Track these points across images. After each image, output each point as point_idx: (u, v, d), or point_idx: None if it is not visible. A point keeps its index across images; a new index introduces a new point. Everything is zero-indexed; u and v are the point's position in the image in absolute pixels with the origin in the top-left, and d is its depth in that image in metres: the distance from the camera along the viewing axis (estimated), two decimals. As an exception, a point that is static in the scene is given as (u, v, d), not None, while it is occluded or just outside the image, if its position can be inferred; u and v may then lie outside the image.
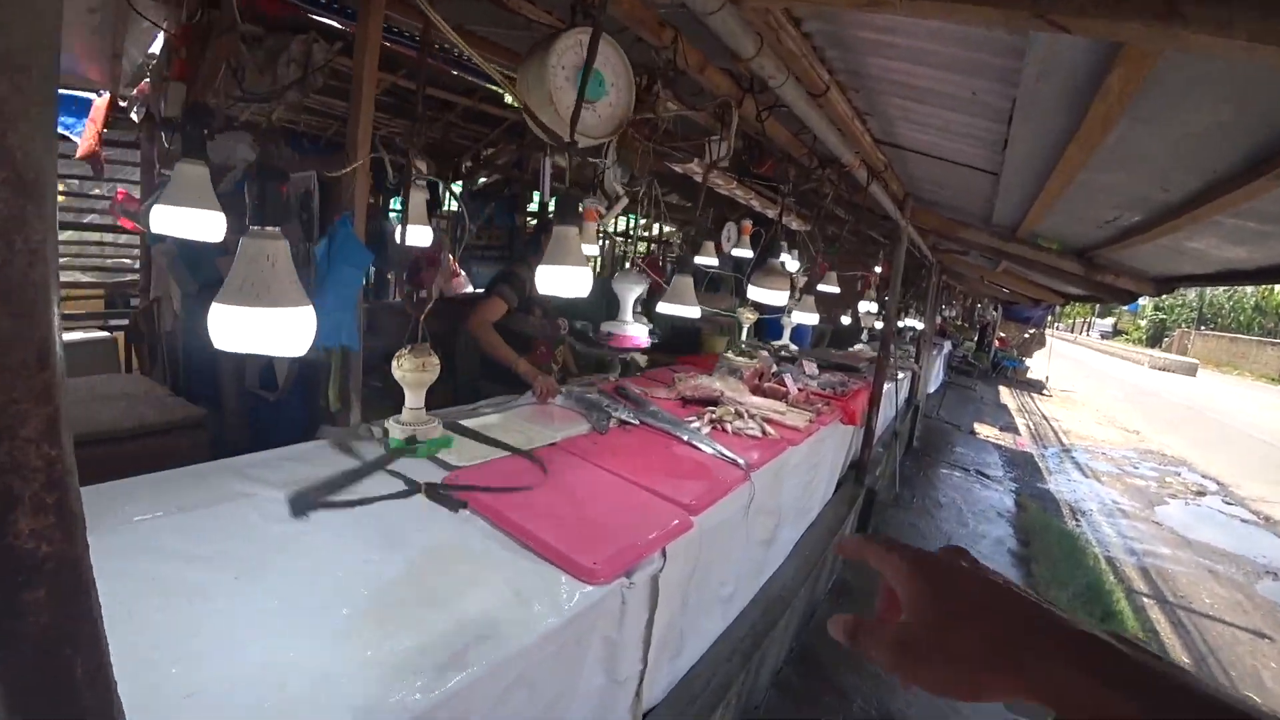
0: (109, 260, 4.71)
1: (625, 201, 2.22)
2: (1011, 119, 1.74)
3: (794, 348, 4.10)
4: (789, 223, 3.88)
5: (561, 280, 1.33)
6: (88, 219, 4.60)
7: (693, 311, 2.14)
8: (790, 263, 3.92)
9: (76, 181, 4.45)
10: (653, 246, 8.65)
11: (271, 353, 0.83)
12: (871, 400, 4.12)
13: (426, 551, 1.28)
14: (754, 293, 2.60)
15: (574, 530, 1.41)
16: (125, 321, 4.15)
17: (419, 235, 1.73)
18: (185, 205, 1.44)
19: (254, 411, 2.89)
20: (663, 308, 2.14)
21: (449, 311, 3.14)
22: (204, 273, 2.88)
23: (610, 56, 1.41)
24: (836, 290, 4.07)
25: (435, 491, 1.38)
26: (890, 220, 3.71)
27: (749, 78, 1.97)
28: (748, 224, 3.61)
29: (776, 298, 2.57)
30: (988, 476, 7.05)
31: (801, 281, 4.11)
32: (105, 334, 3.84)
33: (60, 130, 3.86)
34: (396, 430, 1.41)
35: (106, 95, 3.84)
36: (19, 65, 0.43)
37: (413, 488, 1.41)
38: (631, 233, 8.02)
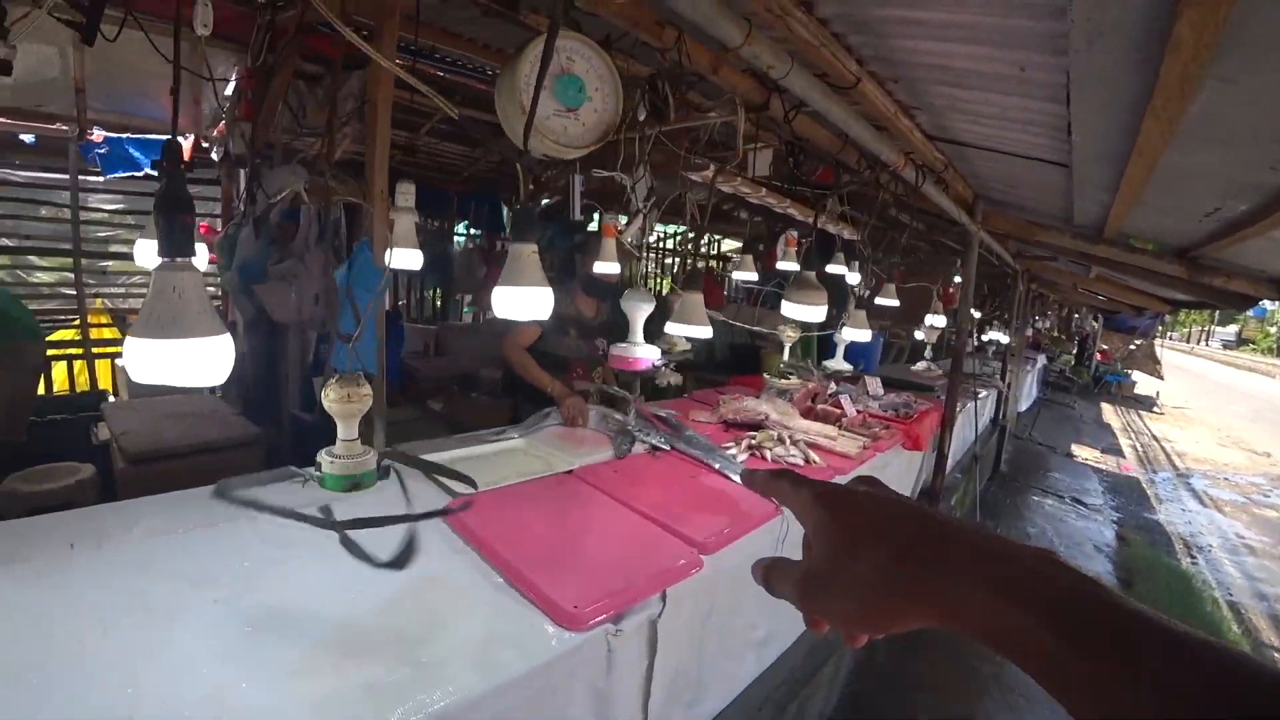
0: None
1: (645, 216, 2.11)
2: (1069, 96, 1.51)
3: (848, 367, 3.83)
4: (841, 232, 3.65)
5: (515, 303, 1.24)
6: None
7: (703, 331, 2.00)
8: (849, 275, 3.68)
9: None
10: (712, 263, 8.51)
11: (186, 384, 0.80)
12: (943, 422, 3.80)
13: (411, 583, 1.23)
14: (787, 309, 2.42)
15: (565, 568, 1.33)
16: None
17: (408, 259, 1.71)
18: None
19: (298, 433, 2.98)
20: (671, 328, 2.02)
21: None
22: (257, 300, 3.01)
23: (593, 61, 1.32)
24: (894, 303, 3.79)
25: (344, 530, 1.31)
26: (959, 225, 3.42)
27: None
28: (791, 235, 3.42)
29: (810, 313, 2.39)
30: (1085, 505, 6.38)
31: (864, 294, 3.85)
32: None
33: (148, 171, 4.19)
34: (327, 464, 1.35)
35: (191, 137, 4.14)
36: None
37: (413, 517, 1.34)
38: (675, 246, 7.89)
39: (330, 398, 1.13)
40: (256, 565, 1.23)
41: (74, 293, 4.45)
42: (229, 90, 3.51)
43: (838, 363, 3.84)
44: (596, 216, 3.68)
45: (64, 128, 3.75)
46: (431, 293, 6.24)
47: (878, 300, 3.74)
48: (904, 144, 2.36)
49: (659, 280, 8.19)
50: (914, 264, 5.28)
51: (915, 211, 3.34)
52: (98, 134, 3.89)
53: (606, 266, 2.30)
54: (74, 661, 0.93)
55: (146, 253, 1.37)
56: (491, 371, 4.51)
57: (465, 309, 6.43)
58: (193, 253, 0.79)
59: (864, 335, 3.16)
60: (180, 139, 3.66)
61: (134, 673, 0.92)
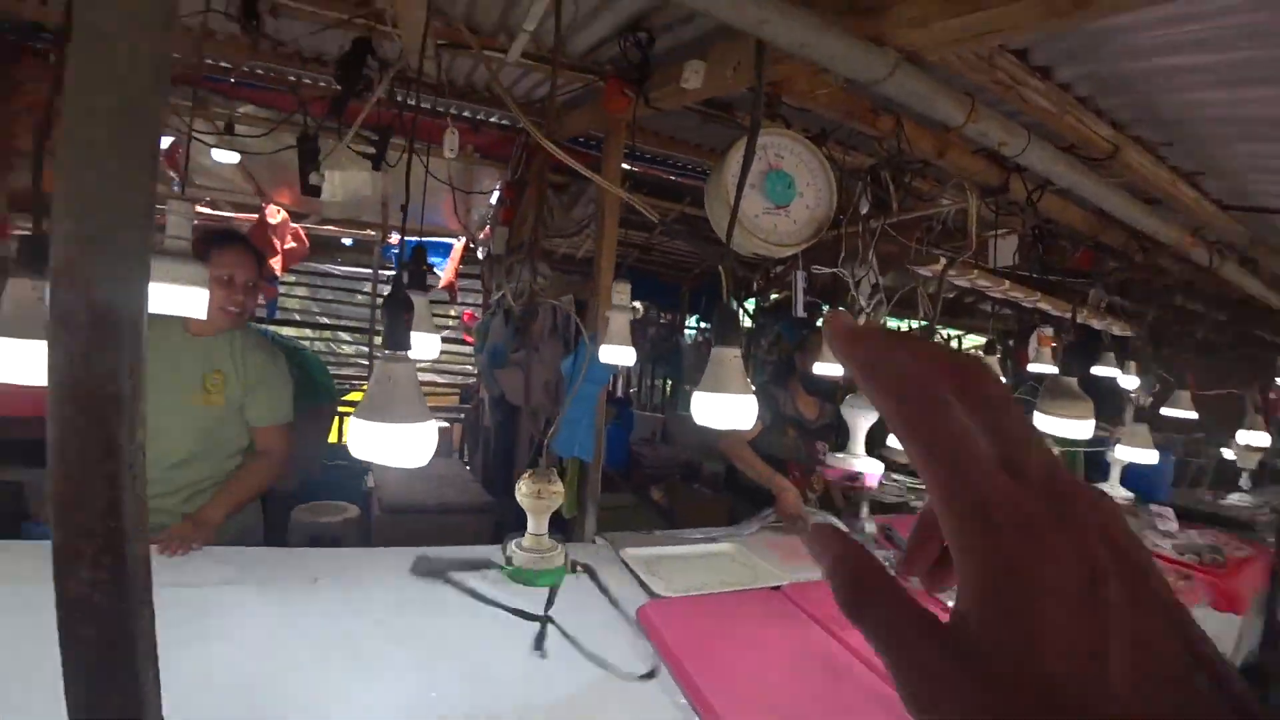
0: (456, 366, 6.07)
1: (868, 314, 1.98)
2: None
3: (1126, 494, 3.09)
4: (1110, 327, 3.07)
5: (715, 410, 1.18)
6: (443, 334, 6.06)
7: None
8: (1123, 379, 3.06)
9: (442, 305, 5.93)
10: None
11: (391, 463, 0.90)
12: (1275, 576, 2.85)
13: (587, 685, 1.20)
14: (1041, 421, 2.03)
15: (757, 706, 1.19)
16: (462, 415, 5.19)
17: (620, 355, 1.80)
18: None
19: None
20: (895, 440, 1.81)
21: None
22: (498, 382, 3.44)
23: (803, 156, 1.33)
24: (1190, 415, 3.02)
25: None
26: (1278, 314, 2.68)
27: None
28: (1044, 333, 2.96)
29: (1071, 427, 1.98)
30: None
31: (1147, 402, 3.16)
32: (444, 424, 4.87)
33: (431, 265, 5.17)
34: (515, 554, 1.38)
35: (463, 240, 5.05)
36: (102, 237, 0.53)
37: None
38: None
39: (523, 491, 1.19)
40: (454, 635, 1.33)
41: (367, 363, 5.57)
42: (493, 199, 4.19)
43: (1112, 487, 3.13)
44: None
45: (371, 233, 4.87)
46: (662, 381, 6.61)
47: (1166, 411, 3.02)
48: (1188, 218, 1.96)
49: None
50: (1215, 364, 4.21)
51: (1212, 299, 2.70)
52: (394, 238, 4.96)
53: (828, 367, 2.20)
54: (284, 682, 1.09)
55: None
56: (714, 465, 4.52)
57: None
58: (408, 346, 0.92)
59: (1147, 455, 2.54)
60: (455, 240, 4.47)
61: (326, 709, 1.03)
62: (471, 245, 4.95)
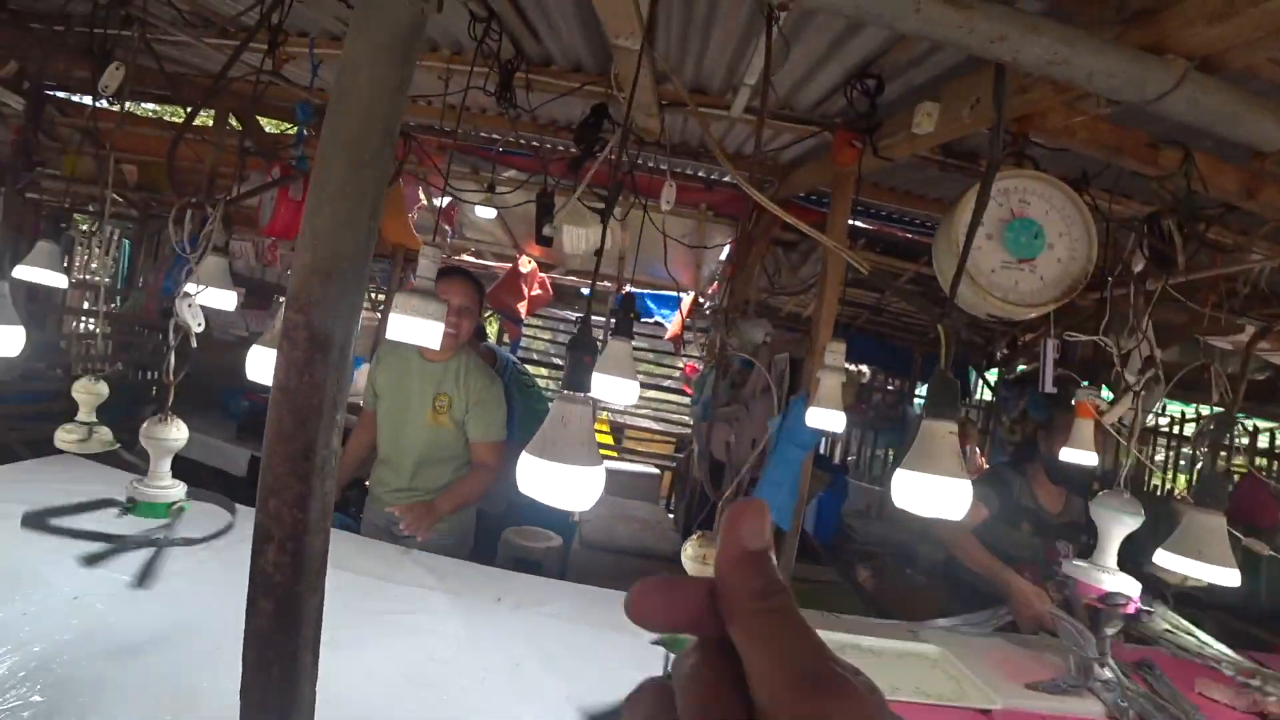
0: (674, 416, 6.26)
1: (1138, 395, 1.55)
2: None
3: None
4: None
5: (919, 492, 0.98)
6: (665, 383, 6.28)
7: (1221, 575, 1.26)
8: None
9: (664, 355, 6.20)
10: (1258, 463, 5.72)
11: (555, 504, 0.90)
12: None
13: None
14: None
15: None
16: (674, 464, 5.33)
17: (829, 419, 1.65)
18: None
19: None
20: (1164, 558, 1.34)
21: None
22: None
23: (1055, 202, 1.11)
24: None
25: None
26: None
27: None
28: None
29: None
30: None
31: None
32: (655, 470, 5.06)
33: (659, 318, 5.44)
34: None
35: (691, 294, 5.24)
36: (327, 270, 0.64)
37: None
38: (1194, 433, 5.52)
39: (688, 553, 1.12)
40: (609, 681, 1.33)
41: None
42: (723, 255, 4.28)
43: None
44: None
45: (608, 284, 5.31)
46: (884, 451, 6.09)
47: None
48: None
49: (1164, 478, 6.01)
50: None
51: None
52: (627, 289, 5.34)
53: (1078, 454, 1.79)
54: (444, 687, 1.17)
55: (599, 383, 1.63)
56: (931, 550, 3.98)
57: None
58: (588, 389, 0.93)
59: None
60: (684, 294, 4.66)
61: None
62: (700, 300, 5.13)
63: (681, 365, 6.08)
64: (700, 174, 3.20)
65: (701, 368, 5.24)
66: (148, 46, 1.66)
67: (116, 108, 1.91)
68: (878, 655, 1.70)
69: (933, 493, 0.98)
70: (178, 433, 1.07)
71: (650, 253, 4.88)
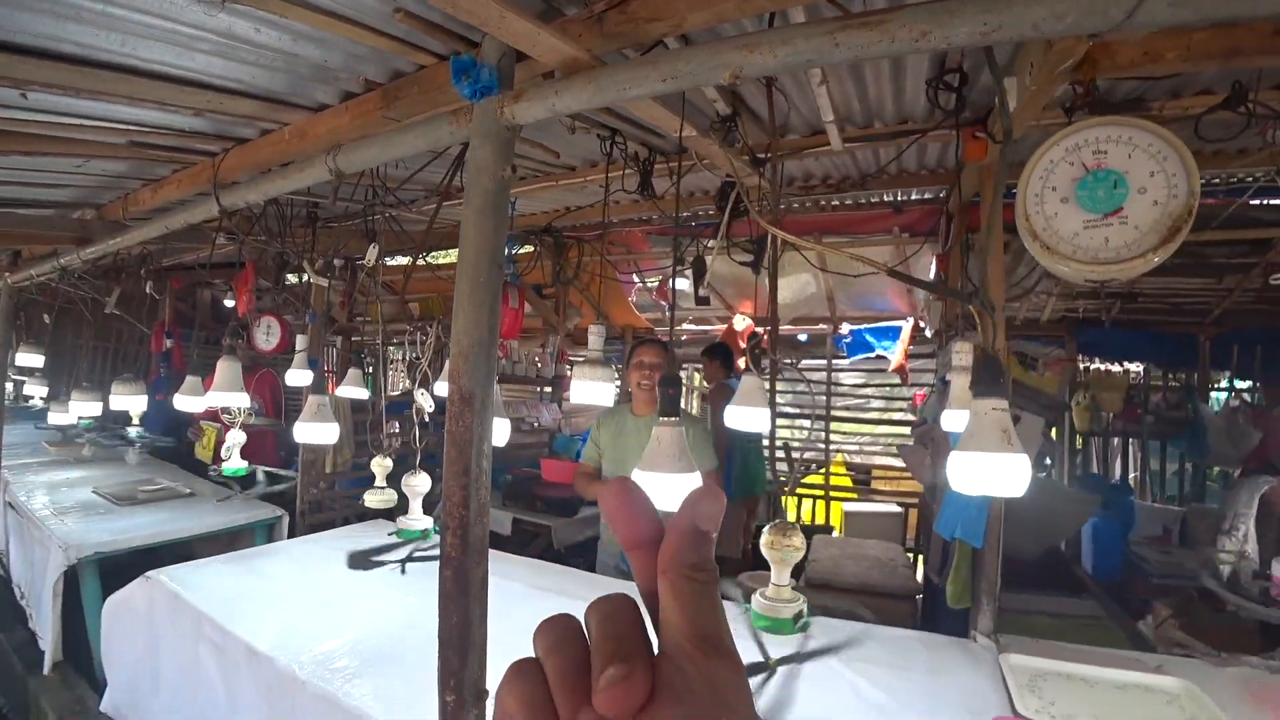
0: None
1: None
2: None
3: None
4: None
5: (971, 473, 1.00)
6: (896, 416, 5.99)
7: None
8: None
9: (888, 388, 5.93)
10: None
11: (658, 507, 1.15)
12: None
13: None
14: None
15: None
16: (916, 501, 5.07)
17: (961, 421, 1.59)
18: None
19: (937, 594, 2.97)
20: None
21: None
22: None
23: (1139, 140, 1.07)
24: None
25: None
26: None
27: None
28: None
29: None
30: None
31: None
32: (897, 509, 4.87)
33: (881, 350, 5.29)
34: (756, 601, 1.32)
35: (912, 321, 5.04)
36: (467, 353, 1.02)
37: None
38: None
39: (763, 540, 1.24)
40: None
41: (823, 447, 5.93)
42: (931, 274, 4.12)
43: None
44: None
45: (823, 327, 5.31)
46: (1179, 463, 4.96)
47: None
48: None
49: None
50: None
51: None
52: (845, 327, 5.29)
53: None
54: None
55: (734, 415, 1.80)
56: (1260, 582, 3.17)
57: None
58: (678, 414, 1.17)
59: None
60: (904, 322, 4.58)
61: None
62: (921, 323, 4.92)
63: (910, 396, 5.77)
64: (887, 199, 3.16)
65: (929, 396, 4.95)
66: (389, 224, 2.41)
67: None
68: (1094, 685, 1.53)
69: (986, 471, 1.02)
70: (424, 481, 1.59)
71: (862, 288, 4.89)
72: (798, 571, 3.25)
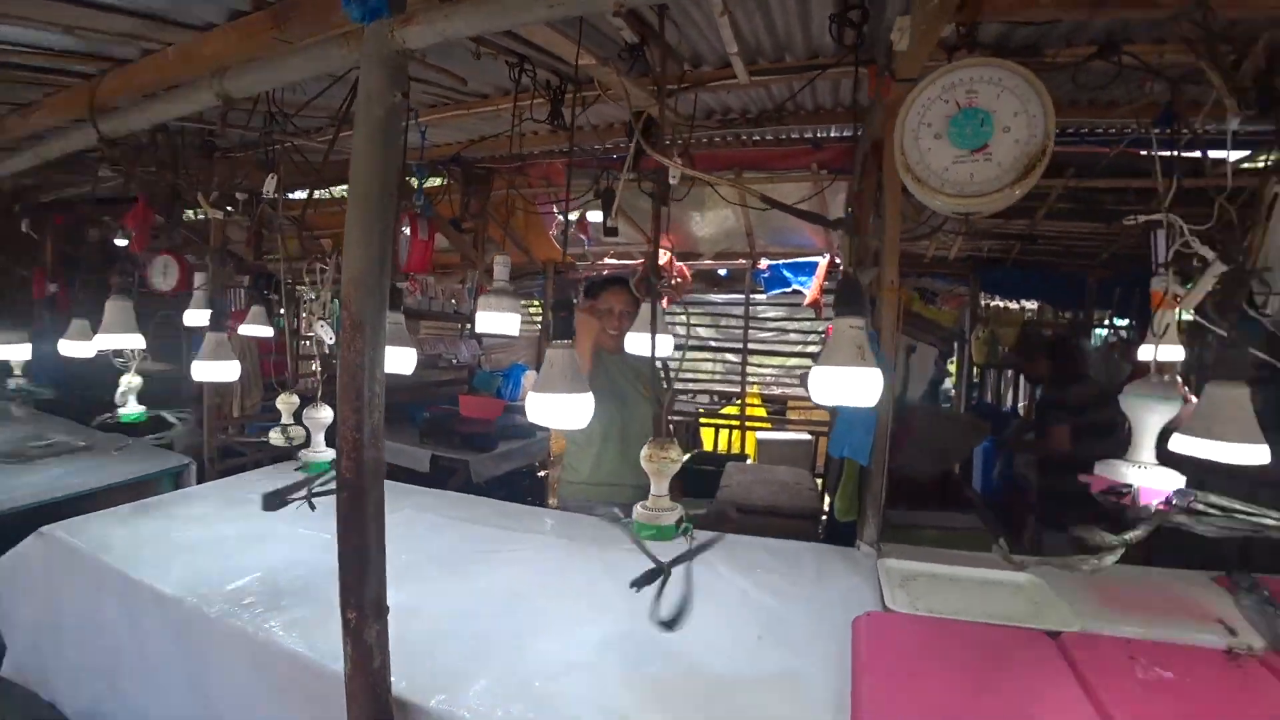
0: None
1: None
2: None
3: None
4: None
5: (829, 386, 1.14)
6: (811, 349, 6.29)
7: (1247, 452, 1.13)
8: None
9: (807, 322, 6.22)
10: None
11: (552, 426, 1.20)
12: None
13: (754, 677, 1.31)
14: None
15: None
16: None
17: None
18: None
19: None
20: (1177, 443, 1.22)
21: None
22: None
23: (1007, 81, 1.16)
24: None
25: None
26: None
27: None
28: None
29: None
30: None
31: None
32: (807, 437, 5.15)
33: (798, 287, 5.48)
34: (637, 513, 1.43)
35: (828, 257, 5.21)
36: (358, 279, 1.00)
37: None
38: None
39: (643, 454, 1.30)
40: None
41: (738, 378, 6.18)
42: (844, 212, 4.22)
43: None
44: None
45: (743, 262, 5.44)
46: None
47: None
48: None
49: None
50: None
51: None
52: (764, 263, 5.42)
53: (1166, 349, 1.61)
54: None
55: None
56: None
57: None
58: (570, 337, 1.23)
59: None
60: (820, 258, 4.69)
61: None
62: (836, 260, 5.08)
63: (824, 330, 6.03)
64: (807, 135, 3.16)
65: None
66: (290, 154, 2.28)
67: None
68: (958, 582, 1.73)
69: (842, 384, 1.13)
70: (326, 414, 1.60)
71: (780, 223, 4.97)
72: (711, 493, 3.41)
